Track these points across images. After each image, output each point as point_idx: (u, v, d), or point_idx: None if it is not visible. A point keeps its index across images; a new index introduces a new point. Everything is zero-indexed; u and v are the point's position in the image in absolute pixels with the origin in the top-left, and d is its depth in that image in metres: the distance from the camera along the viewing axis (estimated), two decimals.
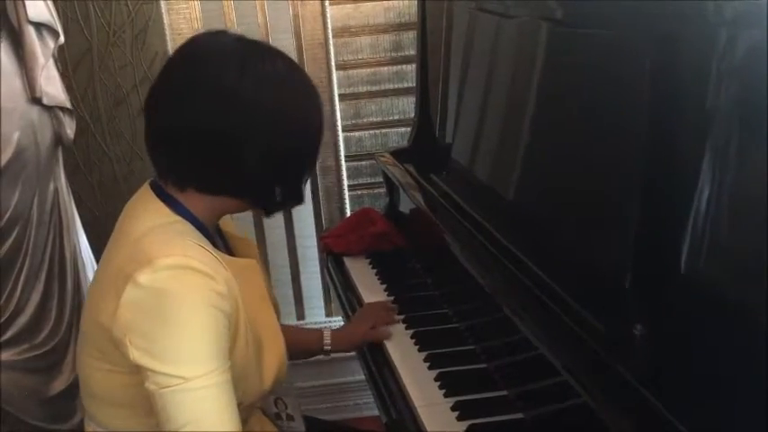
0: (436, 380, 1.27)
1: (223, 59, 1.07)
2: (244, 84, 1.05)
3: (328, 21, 2.25)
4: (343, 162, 2.37)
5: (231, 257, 1.16)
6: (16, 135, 1.63)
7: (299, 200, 1.19)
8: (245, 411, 1.19)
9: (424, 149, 1.84)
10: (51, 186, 1.76)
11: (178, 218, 1.09)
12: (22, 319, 1.72)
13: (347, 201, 2.41)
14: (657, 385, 0.84)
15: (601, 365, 0.92)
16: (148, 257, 0.99)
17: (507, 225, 1.27)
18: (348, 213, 2.40)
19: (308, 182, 2.25)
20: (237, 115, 1.05)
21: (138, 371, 0.99)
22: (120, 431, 1.13)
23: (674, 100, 0.93)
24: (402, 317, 1.51)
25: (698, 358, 0.84)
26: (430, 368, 1.32)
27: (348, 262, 1.80)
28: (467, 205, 1.42)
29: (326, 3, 2.23)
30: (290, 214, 2.38)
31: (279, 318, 1.35)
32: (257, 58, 1.08)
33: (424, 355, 1.36)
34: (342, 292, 1.72)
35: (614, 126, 1.03)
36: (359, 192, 2.41)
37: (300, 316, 2.49)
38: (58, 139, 1.77)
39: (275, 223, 2.39)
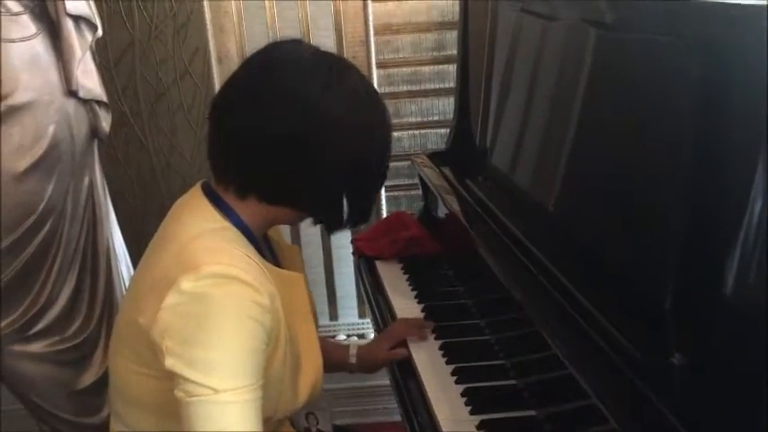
0: (463, 395, 1.23)
1: (306, 71, 1.05)
2: (326, 98, 1.04)
3: (370, 18, 2.21)
4: None
5: (278, 269, 1.13)
6: (52, 128, 1.63)
7: (365, 218, 1.16)
8: (275, 424, 1.17)
9: (461, 153, 1.79)
10: (86, 180, 1.76)
11: (228, 224, 1.06)
12: (54, 312, 1.72)
13: (384, 202, 2.37)
14: (696, 423, 0.78)
15: (636, 395, 0.86)
16: (194, 264, 0.97)
17: (544, 238, 1.22)
18: (384, 214, 2.37)
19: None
20: (317, 128, 1.03)
21: (171, 377, 0.97)
22: None
23: (724, 110, 0.86)
24: (432, 326, 1.46)
25: (742, 394, 0.78)
26: (457, 382, 1.28)
27: (380, 266, 1.76)
28: (502, 215, 1.36)
29: (369, 0, 2.19)
30: None
31: (317, 330, 1.33)
32: (339, 72, 1.06)
33: (451, 368, 1.32)
34: (372, 296, 1.69)
35: (661, 138, 0.97)
36: (396, 193, 2.37)
37: (333, 316, 2.47)
38: (94, 133, 1.76)
39: (310, 222, 2.36)
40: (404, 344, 1.42)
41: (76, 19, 1.66)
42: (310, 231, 2.38)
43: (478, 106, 1.73)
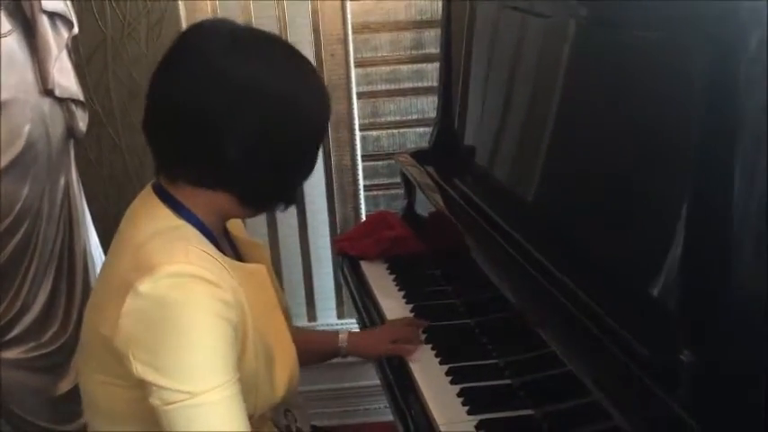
0: (459, 395, 1.22)
1: (216, 36, 1.02)
2: (232, 61, 0.99)
3: (348, 16, 2.19)
4: (359, 161, 2.31)
5: (239, 263, 1.10)
6: (27, 128, 1.58)
7: (289, 201, 1.13)
8: (257, 423, 1.14)
9: (444, 151, 1.78)
10: (62, 180, 1.71)
11: (181, 222, 1.03)
12: (29, 317, 1.68)
13: (362, 201, 2.35)
14: (706, 419, 0.78)
15: (643, 393, 0.86)
16: (150, 265, 0.94)
17: (537, 235, 1.21)
18: (363, 214, 2.35)
19: (325, 182, 2.27)
20: (222, 95, 0.99)
21: (142, 385, 0.94)
22: None
23: (727, 107, 0.86)
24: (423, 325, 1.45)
25: (753, 391, 0.79)
26: (452, 383, 1.27)
27: (365, 266, 1.75)
28: (491, 211, 1.36)
29: None
30: (304, 214, 2.33)
31: (290, 324, 1.31)
32: (252, 39, 1.03)
33: (446, 368, 1.31)
34: (358, 297, 1.67)
35: (660, 133, 0.97)
36: (375, 192, 2.36)
37: (312, 317, 2.44)
38: (70, 132, 1.72)
39: (288, 222, 2.35)
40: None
41: (52, 16, 1.62)
42: (289, 232, 2.36)
43: (459, 104, 1.72)
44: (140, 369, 0.93)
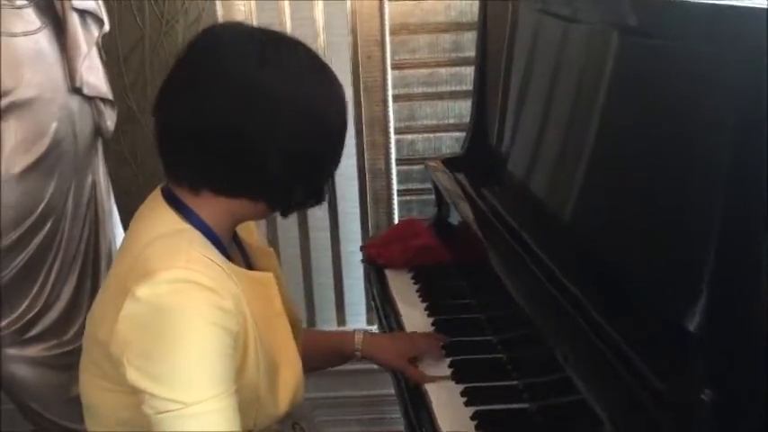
0: (473, 419, 1.17)
1: (240, 49, 0.99)
2: (263, 76, 0.97)
3: (386, 17, 2.15)
4: (393, 165, 2.27)
5: (246, 271, 1.08)
6: (54, 126, 1.58)
7: (319, 199, 1.11)
8: None
9: (477, 159, 1.72)
10: (89, 179, 1.71)
11: (187, 226, 1.01)
12: (52, 315, 1.68)
13: (396, 206, 2.31)
14: None
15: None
16: (148, 270, 0.92)
17: (563, 255, 1.15)
18: (396, 219, 2.31)
19: (358, 186, 2.23)
20: (257, 110, 0.97)
21: (136, 391, 0.92)
22: None
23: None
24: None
25: None
26: (467, 404, 1.21)
27: (389, 275, 1.70)
28: (519, 227, 1.30)
29: None
30: (336, 217, 2.30)
31: (299, 334, 1.27)
32: (277, 47, 1.00)
33: (461, 388, 1.25)
34: (380, 305, 1.63)
35: (692, 154, 0.90)
36: (408, 197, 2.31)
37: (341, 322, 2.41)
38: (98, 131, 1.71)
39: (320, 225, 2.32)
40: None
41: (82, 13, 1.61)
42: (321, 235, 2.33)
43: (496, 111, 1.66)
44: (134, 375, 0.91)
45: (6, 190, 1.53)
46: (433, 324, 1.48)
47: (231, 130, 0.97)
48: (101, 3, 1.66)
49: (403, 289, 1.64)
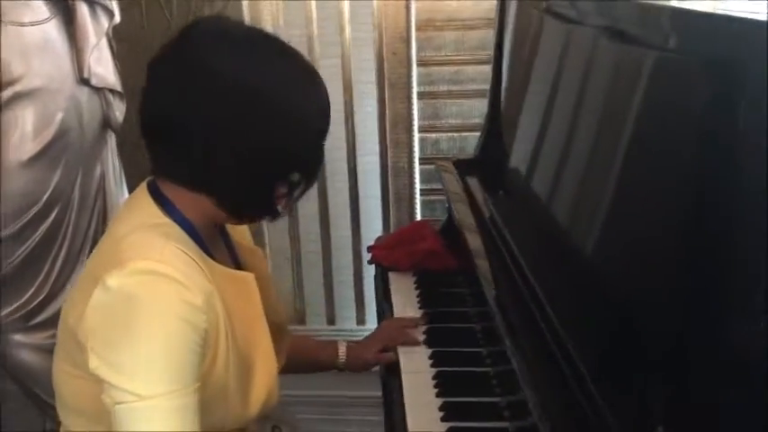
0: None
1: (207, 38, 0.97)
2: (227, 66, 0.95)
3: (412, 13, 2.09)
4: (416, 164, 2.22)
5: (226, 269, 1.06)
6: (60, 115, 1.59)
7: (273, 214, 1.06)
8: None
9: (489, 163, 1.66)
10: (98, 170, 1.72)
11: (167, 220, 1.00)
12: (58, 303, 1.69)
13: (418, 206, 2.26)
14: None
15: None
16: (121, 259, 0.91)
17: (550, 277, 1.08)
18: (419, 218, 2.26)
19: (380, 184, 2.19)
20: (211, 98, 0.95)
21: (99, 381, 0.91)
22: None
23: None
24: (430, 351, 1.35)
25: None
26: (443, 420, 1.16)
27: (393, 278, 1.66)
28: (512, 239, 1.24)
29: None
30: (358, 215, 2.26)
31: (285, 336, 1.25)
32: (244, 38, 0.99)
33: (440, 402, 1.20)
34: (378, 306, 1.59)
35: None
36: (431, 197, 2.25)
37: (361, 321, 2.37)
38: (107, 122, 1.71)
39: (342, 224, 2.29)
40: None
41: (92, 4, 1.62)
42: (342, 233, 2.30)
43: (514, 117, 1.58)
44: (95, 363, 0.90)
45: (13, 178, 1.55)
46: (424, 333, 1.42)
47: (183, 119, 0.96)
48: None
49: (403, 293, 1.60)
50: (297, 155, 1.01)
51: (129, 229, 0.98)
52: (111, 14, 1.66)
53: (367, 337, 1.47)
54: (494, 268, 1.22)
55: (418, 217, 2.26)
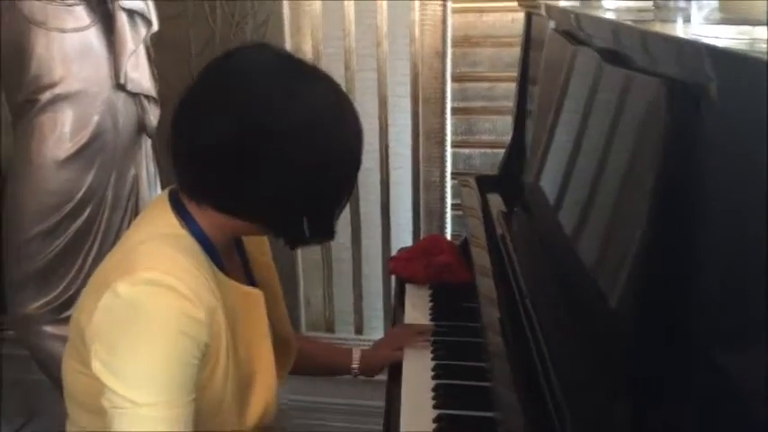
0: None
1: (262, 76, 0.99)
2: (281, 106, 0.97)
3: (449, 29, 2.11)
4: (448, 179, 2.23)
5: (236, 284, 1.08)
6: (96, 118, 1.66)
7: (329, 236, 1.09)
8: None
9: (510, 180, 1.66)
10: (131, 172, 1.79)
11: (184, 232, 1.02)
12: None
13: (449, 220, 2.27)
14: None
15: None
16: (132, 267, 0.95)
17: (547, 299, 1.08)
18: (449, 233, 2.27)
19: (412, 198, 2.21)
20: (267, 135, 0.97)
21: (100, 383, 0.94)
22: None
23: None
24: (433, 363, 1.36)
25: None
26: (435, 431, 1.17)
27: (409, 290, 1.67)
28: (516, 258, 1.23)
29: (449, 9, 2.09)
30: (389, 227, 2.29)
31: (290, 352, 1.27)
32: (302, 79, 1.01)
33: (435, 414, 1.21)
34: (394, 316, 1.61)
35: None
36: (461, 212, 2.26)
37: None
38: (141, 127, 1.78)
39: (373, 234, 2.31)
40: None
41: (131, 13, 1.69)
42: (372, 243, 2.33)
43: (537, 136, 1.58)
44: (97, 366, 0.93)
45: (47, 177, 1.63)
46: (432, 344, 1.43)
47: (239, 155, 0.97)
48: (150, 3, 1.73)
49: (417, 305, 1.60)
50: (347, 182, 1.05)
51: (144, 237, 1.01)
52: (149, 23, 1.73)
53: (377, 342, 1.51)
54: (496, 287, 1.22)
55: (448, 231, 2.27)
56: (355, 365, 1.43)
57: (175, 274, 0.94)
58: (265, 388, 1.11)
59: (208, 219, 1.03)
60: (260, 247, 1.24)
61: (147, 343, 0.92)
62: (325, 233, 1.08)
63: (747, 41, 0.64)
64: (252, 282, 1.17)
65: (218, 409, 1.03)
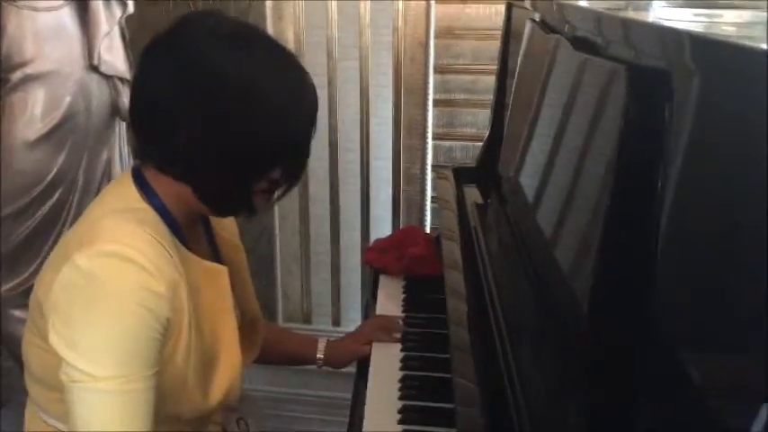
0: None
1: (197, 31, 0.98)
2: (197, 47, 0.96)
3: (432, 20, 2.10)
4: (429, 171, 2.21)
5: (199, 260, 1.06)
6: (67, 99, 1.63)
7: (250, 208, 1.05)
8: (191, 425, 1.10)
9: (487, 172, 1.64)
10: (104, 155, 1.76)
11: (145, 206, 1.01)
12: None
13: (428, 213, 2.25)
14: None
15: None
16: (92, 240, 0.93)
17: (512, 291, 1.06)
18: (428, 226, 2.25)
19: (392, 190, 2.19)
20: (178, 79, 0.96)
21: (58, 356, 0.93)
22: (59, 416, 1.04)
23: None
24: (402, 354, 1.34)
25: None
26: (400, 422, 1.15)
27: (383, 281, 1.65)
28: (486, 250, 1.22)
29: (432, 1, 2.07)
30: (368, 219, 2.27)
31: (258, 330, 1.26)
32: (229, 29, 0.99)
33: (401, 404, 1.19)
34: (365, 310, 1.59)
35: None
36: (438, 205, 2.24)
37: None
38: (115, 109, 1.76)
39: (352, 226, 2.30)
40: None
41: None
42: (352, 235, 2.31)
43: (513, 129, 1.56)
44: (55, 340, 0.92)
45: (19, 157, 1.60)
46: (402, 336, 1.42)
47: (152, 95, 0.98)
48: None
49: (389, 297, 1.58)
50: (276, 150, 1.01)
51: (105, 211, 0.99)
52: (124, 5, 1.70)
53: (348, 335, 1.48)
54: (465, 279, 1.20)
55: (428, 224, 2.25)
56: (320, 356, 1.42)
57: (136, 247, 0.93)
58: (229, 366, 1.09)
59: (166, 190, 1.02)
60: (227, 227, 1.23)
61: (105, 315, 0.90)
62: (246, 205, 1.05)
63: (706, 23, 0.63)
64: (218, 260, 1.15)
65: (182, 385, 1.01)
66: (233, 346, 1.11)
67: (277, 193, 1.07)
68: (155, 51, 1.00)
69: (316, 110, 1.04)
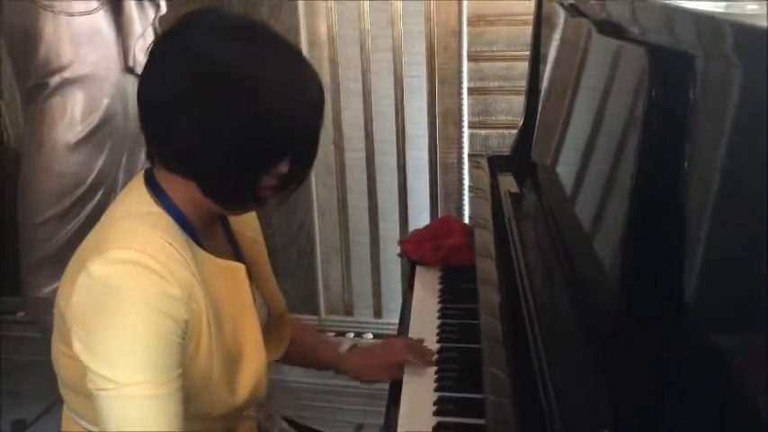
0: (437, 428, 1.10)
1: (198, 26, 0.97)
2: (196, 41, 0.95)
3: (464, 7, 2.08)
4: (465, 160, 2.20)
5: (215, 258, 1.06)
6: (105, 102, 1.66)
7: (258, 202, 1.04)
8: (222, 421, 1.12)
9: (521, 161, 1.63)
10: (142, 155, 1.78)
11: (158, 209, 1.01)
12: None
13: (466, 202, 2.24)
14: None
15: None
16: (104, 247, 0.93)
17: (545, 282, 1.05)
18: (467, 215, 2.24)
19: (429, 179, 2.19)
20: (177, 74, 0.95)
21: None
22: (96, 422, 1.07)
23: None
24: (438, 346, 1.34)
25: None
26: (435, 414, 1.15)
27: (419, 272, 1.64)
28: (519, 240, 1.20)
29: None
30: (406, 210, 2.27)
31: (285, 325, 1.26)
32: (230, 23, 0.98)
33: (436, 396, 1.19)
34: (403, 300, 1.58)
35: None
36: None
37: None
38: None
39: (391, 217, 2.30)
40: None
41: None
42: (390, 226, 2.31)
43: (548, 118, 1.54)
44: (79, 348, 0.93)
45: (58, 161, 1.64)
46: (438, 327, 1.41)
47: (153, 91, 0.98)
48: None
49: (426, 288, 1.58)
50: (279, 143, 1.00)
51: (119, 216, 1.00)
52: (157, 6, 1.72)
53: (372, 349, 1.43)
54: (498, 269, 1.19)
55: (466, 213, 2.24)
56: (339, 363, 1.39)
57: (148, 252, 0.93)
58: (254, 363, 1.09)
59: (177, 190, 1.02)
60: (246, 222, 1.22)
61: (123, 323, 0.91)
62: (251, 200, 1.04)
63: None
64: (239, 257, 1.16)
65: (207, 384, 1.02)
66: (257, 342, 1.11)
67: (288, 188, 1.05)
68: (156, 50, 1.00)
69: (320, 102, 1.02)
